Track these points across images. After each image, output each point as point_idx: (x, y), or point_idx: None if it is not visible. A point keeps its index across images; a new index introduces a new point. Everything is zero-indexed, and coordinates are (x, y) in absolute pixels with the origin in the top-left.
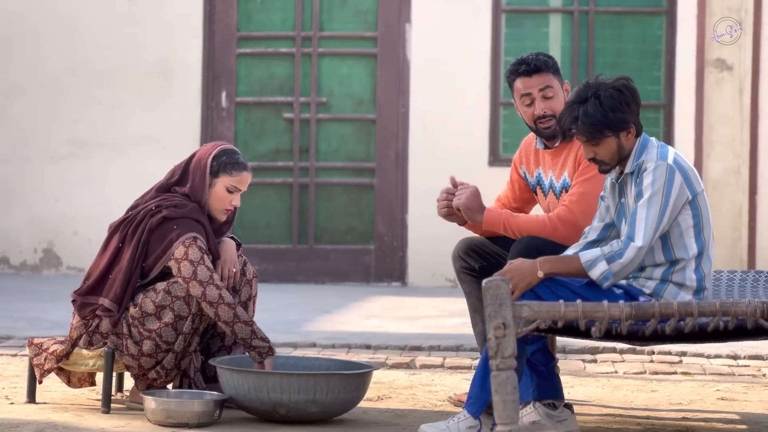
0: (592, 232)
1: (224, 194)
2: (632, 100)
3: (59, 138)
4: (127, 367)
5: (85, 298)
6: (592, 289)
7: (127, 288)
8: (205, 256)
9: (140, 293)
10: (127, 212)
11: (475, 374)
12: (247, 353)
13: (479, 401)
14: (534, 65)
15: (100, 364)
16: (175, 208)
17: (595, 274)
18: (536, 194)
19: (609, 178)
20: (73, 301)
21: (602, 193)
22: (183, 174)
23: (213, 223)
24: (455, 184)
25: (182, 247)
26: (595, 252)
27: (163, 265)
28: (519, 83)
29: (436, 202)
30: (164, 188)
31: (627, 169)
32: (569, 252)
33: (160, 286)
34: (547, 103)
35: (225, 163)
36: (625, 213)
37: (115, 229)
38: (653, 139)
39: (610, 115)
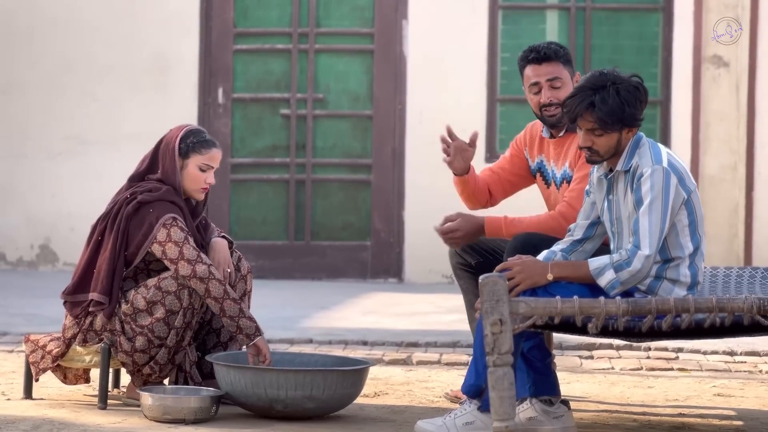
0: (577, 230)
1: (197, 173)
2: (645, 100)
3: (56, 134)
4: (122, 364)
5: (74, 296)
6: (589, 290)
7: (114, 278)
8: (188, 236)
9: (131, 289)
10: (107, 207)
11: (475, 356)
12: (237, 338)
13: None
14: (544, 53)
15: (96, 360)
16: (149, 192)
17: (603, 282)
18: (536, 179)
19: (596, 174)
20: (64, 303)
21: (587, 188)
22: (152, 161)
23: (188, 204)
24: (450, 134)
25: (164, 230)
26: (604, 260)
27: (146, 250)
28: (528, 71)
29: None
30: (136, 178)
31: (618, 167)
32: (555, 248)
33: (151, 282)
34: (553, 93)
35: (193, 143)
36: (612, 210)
37: (95, 226)
38: (644, 136)
39: (626, 109)
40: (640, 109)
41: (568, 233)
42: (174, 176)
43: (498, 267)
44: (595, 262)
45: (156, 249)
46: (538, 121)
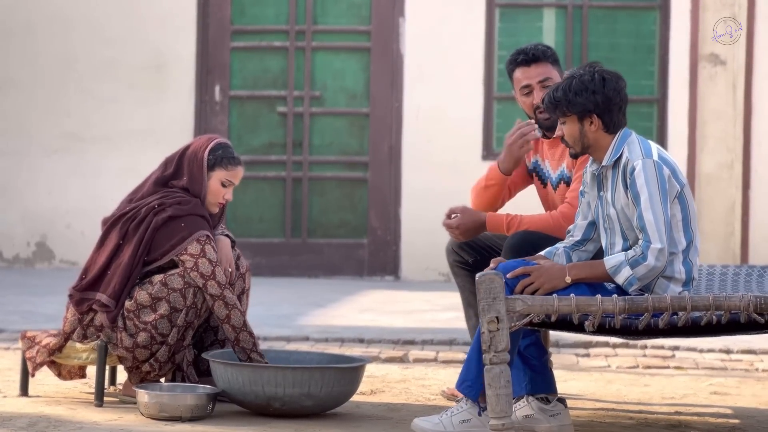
0: (577, 231)
1: (219, 188)
2: (599, 91)
3: (53, 131)
4: (121, 360)
5: (84, 293)
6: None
7: (126, 285)
8: (219, 257)
9: (136, 286)
10: (124, 206)
11: (470, 357)
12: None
13: (477, 383)
14: (532, 54)
15: (93, 357)
16: (179, 205)
17: (620, 279)
18: (533, 179)
19: (590, 170)
20: (70, 296)
21: (582, 188)
22: (178, 167)
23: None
24: (449, 215)
25: (197, 244)
26: (619, 257)
27: (172, 258)
28: (518, 73)
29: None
30: (161, 182)
31: (604, 162)
32: (558, 245)
33: (157, 278)
34: (545, 93)
35: (221, 157)
36: (603, 206)
37: (112, 224)
38: (633, 133)
39: (570, 97)
40: (590, 100)
41: (567, 234)
42: (201, 187)
43: (516, 272)
44: (611, 261)
45: (186, 260)
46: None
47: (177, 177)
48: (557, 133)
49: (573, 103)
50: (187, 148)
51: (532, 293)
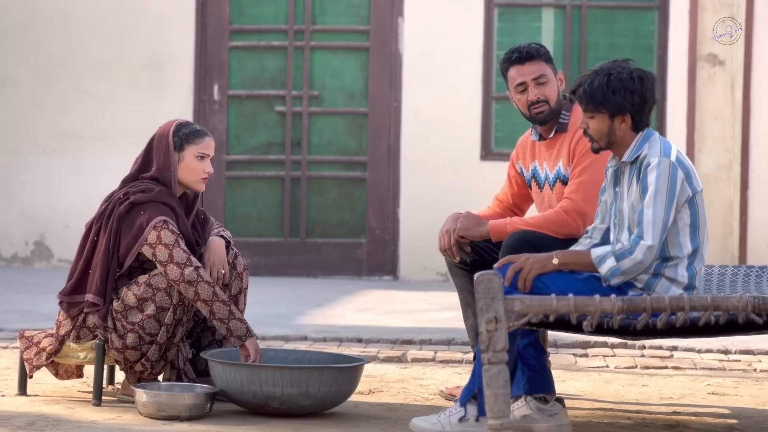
0: (596, 233)
1: (195, 164)
2: (638, 91)
3: (50, 130)
4: (115, 361)
5: (71, 297)
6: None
7: (107, 279)
8: (179, 239)
9: (123, 287)
10: (100, 207)
11: (474, 370)
12: (229, 341)
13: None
14: (526, 53)
15: (91, 356)
16: (142, 193)
17: (603, 269)
18: (531, 188)
19: (610, 167)
20: (60, 303)
21: (603, 185)
22: (145, 160)
23: (182, 200)
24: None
25: (154, 232)
26: (606, 248)
27: (137, 252)
28: (513, 72)
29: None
30: (129, 179)
31: (624, 158)
32: (575, 249)
33: (142, 279)
34: (540, 90)
35: (186, 134)
36: (617, 202)
37: (90, 226)
38: (657, 133)
39: (608, 95)
40: (628, 99)
41: (585, 234)
42: (169, 171)
43: (502, 261)
44: (597, 251)
45: (146, 251)
46: (527, 132)
47: (146, 170)
48: (580, 125)
49: (611, 101)
50: (151, 140)
51: (524, 279)
